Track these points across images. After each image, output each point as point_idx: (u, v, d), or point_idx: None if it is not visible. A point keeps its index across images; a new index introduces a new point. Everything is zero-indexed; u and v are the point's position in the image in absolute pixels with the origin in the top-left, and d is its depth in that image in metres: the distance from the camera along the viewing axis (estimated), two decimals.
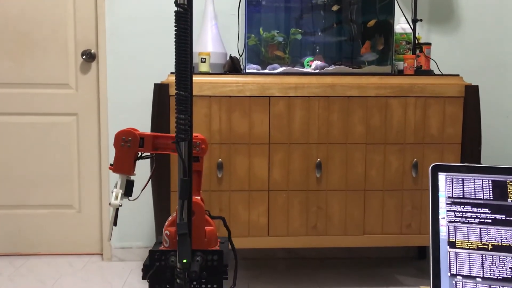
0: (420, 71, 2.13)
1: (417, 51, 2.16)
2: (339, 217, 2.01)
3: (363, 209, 2.02)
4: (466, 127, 2.00)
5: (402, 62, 2.12)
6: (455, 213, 0.85)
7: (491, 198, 0.84)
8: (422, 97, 1.98)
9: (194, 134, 0.97)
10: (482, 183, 0.85)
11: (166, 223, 1.08)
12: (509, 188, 0.84)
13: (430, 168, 0.92)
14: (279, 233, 2.00)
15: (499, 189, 0.84)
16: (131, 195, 1.16)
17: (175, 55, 0.77)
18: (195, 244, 1.01)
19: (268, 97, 1.96)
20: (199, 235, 1.03)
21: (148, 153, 1.14)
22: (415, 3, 2.18)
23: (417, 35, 2.20)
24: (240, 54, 2.27)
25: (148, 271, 1.05)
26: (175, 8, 0.84)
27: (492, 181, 0.85)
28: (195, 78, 1.92)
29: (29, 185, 2.46)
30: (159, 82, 1.99)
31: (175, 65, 0.78)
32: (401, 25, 2.21)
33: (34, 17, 2.37)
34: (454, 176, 0.87)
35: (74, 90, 2.43)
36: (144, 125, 2.34)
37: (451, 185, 0.86)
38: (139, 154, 1.13)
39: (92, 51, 2.40)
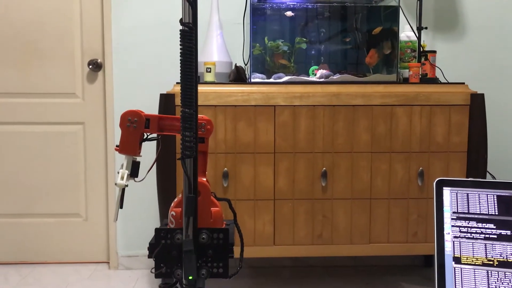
0: (426, 79, 2.13)
1: (422, 59, 2.16)
2: (344, 226, 2.01)
3: (368, 217, 2.01)
4: (472, 135, 1.99)
5: (407, 70, 2.12)
6: (460, 228, 0.84)
7: (496, 213, 0.83)
8: (427, 105, 1.98)
9: (199, 116, 0.97)
10: (487, 198, 0.85)
11: (172, 204, 1.09)
12: None
13: (434, 183, 0.92)
14: (284, 242, 2.00)
15: (504, 204, 0.84)
16: (137, 176, 1.17)
17: (181, 73, 0.77)
18: (201, 224, 1.02)
19: (273, 106, 1.96)
20: (205, 216, 1.04)
21: (154, 135, 1.15)
22: (420, 11, 2.18)
23: (422, 42, 2.20)
24: (245, 63, 2.28)
25: (154, 249, 1.06)
26: (181, 19, 0.85)
27: (497, 196, 0.85)
28: (201, 88, 1.93)
29: (36, 194, 2.47)
30: (165, 90, 2.01)
31: (180, 83, 0.79)
32: (406, 33, 2.20)
33: (41, 27, 2.40)
34: (459, 191, 0.87)
35: (81, 99, 2.45)
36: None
37: (456, 200, 0.86)
38: (145, 136, 1.14)
39: (99, 60, 2.42)
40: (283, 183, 1.98)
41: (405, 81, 2.15)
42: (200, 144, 1.02)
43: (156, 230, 1.07)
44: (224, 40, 2.21)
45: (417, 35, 2.17)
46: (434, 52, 2.17)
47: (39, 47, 2.41)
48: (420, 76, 2.11)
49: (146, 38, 2.39)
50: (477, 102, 1.98)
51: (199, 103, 1.91)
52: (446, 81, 2.26)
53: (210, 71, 2.01)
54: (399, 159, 1.99)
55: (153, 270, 1.10)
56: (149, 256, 1.09)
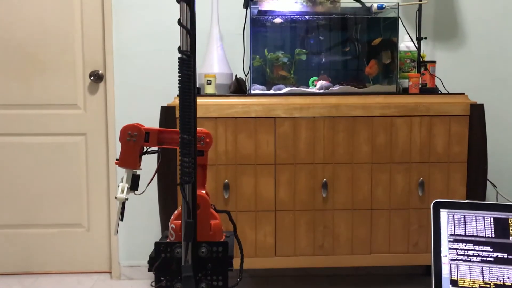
0: (425, 89, 2.13)
1: (422, 69, 2.17)
2: (346, 236, 2.01)
3: (369, 228, 2.02)
4: (472, 145, 2.00)
5: (407, 80, 2.13)
6: (457, 251, 0.85)
7: (493, 236, 0.84)
8: (427, 116, 1.98)
9: (198, 129, 0.98)
10: (484, 220, 0.85)
11: (172, 217, 1.10)
12: (511, 225, 0.84)
13: (431, 205, 0.93)
14: (286, 253, 2.01)
15: (500, 226, 0.85)
16: (137, 189, 1.18)
17: (180, 100, 0.79)
18: (200, 237, 1.03)
19: (273, 118, 1.97)
20: (204, 228, 1.05)
21: (154, 148, 1.16)
22: (419, 22, 2.18)
23: (421, 52, 2.21)
24: (246, 74, 2.29)
25: (154, 263, 1.07)
26: (179, 47, 0.86)
27: (494, 218, 0.85)
28: (202, 100, 1.95)
29: (38, 205, 2.48)
30: (166, 101, 2.02)
31: (179, 109, 0.80)
32: (405, 43, 2.21)
33: (42, 39, 2.41)
34: (456, 213, 0.88)
35: (83, 110, 2.46)
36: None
37: (453, 222, 0.87)
38: (145, 149, 1.15)
39: (100, 71, 2.43)
40: (284, 194, 1.99)
41: (405, 91, 2.16)
42: (199, 157, 1.03)
43: (156, 244, 1.08)
44: (224, 51, 2.22)
45: (417, 46, 2.17)
46: (434, 62, 2.18)
47: (41, 59, 2.43)
48: (420, 86, 2.12)
49: (147, 49, 2.40)
50: (477, 113, 1.99)
51: (200, 115, 1.92)
52: (446, 91, 2.26)
53: (210, 83, 2.03)
54: (399, 169, 2.00)
55: (153, 284, 1.11)
56: (149, 270, 1.10)
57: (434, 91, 2.15)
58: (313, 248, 2.01)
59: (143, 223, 2.45)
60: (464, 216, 0.88)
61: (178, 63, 0.79)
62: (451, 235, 0.87)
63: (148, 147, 1.16)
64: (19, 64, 2.43)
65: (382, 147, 1.99)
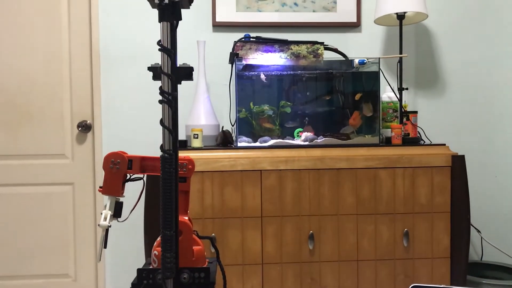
0: (408, 139, 2.18)
1: (404, 119, 2.22)
2: None
3: (356, 279, 2.03)
4: (454, 195, 2.03)
5: (390, 130, 2.17)
6: None
7: None
8: (410, 167, 2.02)
9: (180, 156, 0.99)
10: None
11: (155, 243, 1.11)
12: None
13: None
14: None
15: None
16: (120, 216, 1.19)
17: (161, 196, 0.81)
18: (182, 263, 1.03)
19: (259, 171, 2.00)
20: (186, 254, 1.06)
21: (140, 175, 1.17)
22: (400, 73, 2.25)
23: (403, 102, 2.27)
24: (232, 124, 2.33)
25: None
26: (161, 145, 0.89)
27: None
28: (188, 154, 1.97)
29: (25, 255, 2.47)
30: (153, 153, 2.04)
31: (161, 206, 0.82)
32: (387, 93, 2.27)
33: (30, 90, 2.44)
34: None
35: (70, 160, 2.47)
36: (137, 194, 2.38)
37: None
38: (128, 176, 1.17)
39: (88, 122, 2.45)
40: (271, 247, 2.00)
41: (388, 140, 2.20)
42: (181, 184, 1.05)
43: (138, 270, 1.08)
44: (211, 103, 2.26)
45: (398, 97, 2.23)
46: (416, 112, 2.23)
47: (29, 110, 2.45)
48: (403, 136, 2.16)
49: (135, 101, 2.43)
50: (458, 164, 2.03)
51: None
52: (428, 140, 2.31)
53: (197, 137, 2.06)
54: (384, 220, 2.03)
55: None
56: None
57: (416, 140, 2.19)
58: None
59: (130, 271, 2.44)
60: None
61: (160, 161, 0.82)
62: None
63: (131, 174, 1.18)
64: (6, 115, 2.44)
65: (367, 198, 2.02)
